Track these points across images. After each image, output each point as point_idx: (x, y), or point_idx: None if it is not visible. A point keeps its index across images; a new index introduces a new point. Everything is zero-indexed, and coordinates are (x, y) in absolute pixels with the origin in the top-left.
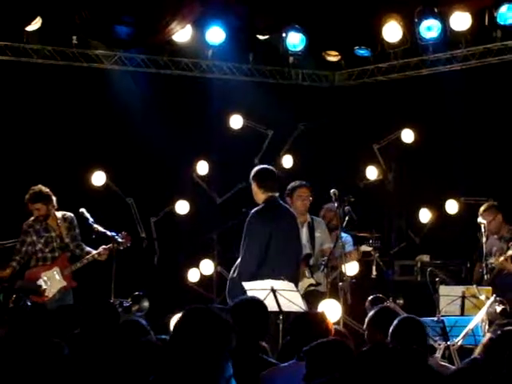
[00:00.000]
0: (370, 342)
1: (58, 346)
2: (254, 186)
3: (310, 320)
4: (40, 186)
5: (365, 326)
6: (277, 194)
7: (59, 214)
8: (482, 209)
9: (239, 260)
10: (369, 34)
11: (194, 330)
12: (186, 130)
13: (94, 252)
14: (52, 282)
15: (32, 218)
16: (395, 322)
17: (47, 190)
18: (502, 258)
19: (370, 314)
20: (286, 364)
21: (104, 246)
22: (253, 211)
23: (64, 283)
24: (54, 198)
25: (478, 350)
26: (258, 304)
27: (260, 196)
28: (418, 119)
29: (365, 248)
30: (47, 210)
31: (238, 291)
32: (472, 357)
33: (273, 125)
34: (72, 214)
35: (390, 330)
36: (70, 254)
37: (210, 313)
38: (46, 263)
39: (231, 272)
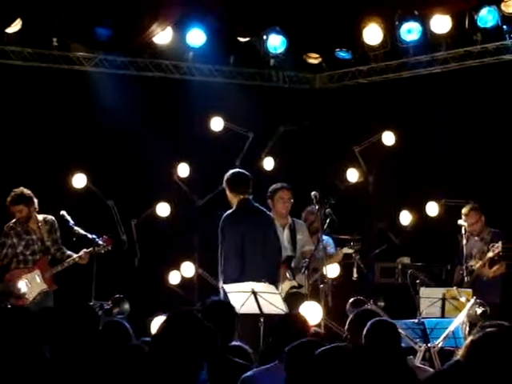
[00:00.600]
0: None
1: (38, 350)
2: (227, 191)
3: (289, 321)
4: (22, 188)
5: (346, 327)
6: (250, 197)
7: (40, 216)
8: (465, 210)
9: (219, 268)
10: (349, 36)
11: (177, 334)
12: (167, 132)
13: (75, 255)
14: (33, 284)
15: (13, 221)
16: (368, 325)
17: (29, 192)
18: (479, 264)
19: (351, 316)
20: (267, 366)
21: (85, 250)
22: (224, 215)
23: (45, 286)
24: (35, 201)
25: (460, 352)
26: (225, 306)
27: (233, 200)
28: (398, 122)
29: (346, 250)
30: (29, 212)
31: None
32: (454, 359)
33: (254, 127)
34: (53, 217)
35: (364, 333)
36: (50, 257)
37: (194, 317)
38: (26, 266)
39: (219, 281)
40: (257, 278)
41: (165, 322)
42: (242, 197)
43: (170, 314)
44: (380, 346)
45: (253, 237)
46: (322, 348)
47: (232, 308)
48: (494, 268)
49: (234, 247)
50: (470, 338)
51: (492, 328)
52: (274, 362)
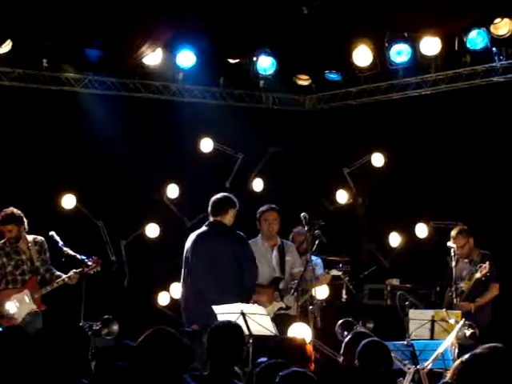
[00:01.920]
0: (345, 364)
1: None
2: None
3: (289, 345)
4: (12, 208)
5: (341, 351)
6: (212, 219)
7: (30, 237)
8: (453, 233)
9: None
10: (339, 58)
11: (153, 349)
12: (157, 154)
13: (65, 276)
14: (22, 305)
15: (2, 241)
16: (361, 345)
17: (19, 212)
18: (468, 285)
19: (347, 339)
20: None
21: (75, 270)
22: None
23: (34, 306)
24: (25, 221)
25: (449, 374)
26: (235, 328)
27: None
28: (388, 143)
29: (335, 272)
30: (18, 231)
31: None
32: (443, 381)
33: (243, 148)
34: (43, 238)
35: (357, 353)
36: (39, 278)
37: (168, 333)
38: (15, 286)
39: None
40: (205, 297)
41: (142, 339)
42: (209, 220)
43: (148, 331)
44: (372, 366)
45: (202, 257)
46: (284, 373)
47: (241, 330)
48: (474, 304)
49: (185, 266)
50: (459, 360)
51: (481, 350)
52: None
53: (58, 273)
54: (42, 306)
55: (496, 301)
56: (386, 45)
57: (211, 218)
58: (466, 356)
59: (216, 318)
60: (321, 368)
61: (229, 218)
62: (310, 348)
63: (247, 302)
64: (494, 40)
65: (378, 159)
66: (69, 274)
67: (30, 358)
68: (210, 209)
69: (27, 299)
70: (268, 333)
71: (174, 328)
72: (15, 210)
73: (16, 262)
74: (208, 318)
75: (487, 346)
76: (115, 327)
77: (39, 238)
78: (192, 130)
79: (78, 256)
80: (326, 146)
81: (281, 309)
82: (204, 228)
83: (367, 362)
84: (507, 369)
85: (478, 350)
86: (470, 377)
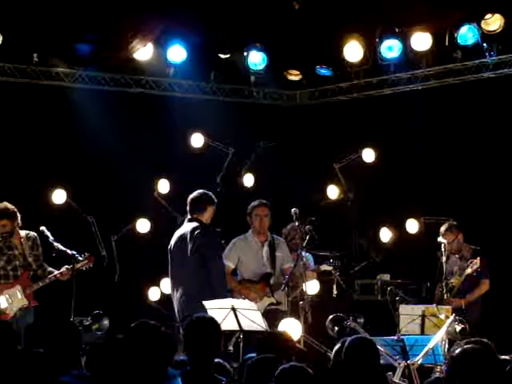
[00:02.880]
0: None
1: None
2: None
3: (275, 339)
4: (5, 202)
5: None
6: (187, 216)
7: (23, 232)
8: (442, 229)
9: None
10: (330, 53)
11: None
12: (147, 149)
13: (57, 272)
14: (14, 300)
15: None
16: (347, 342)
17: (13, 207)
18: (458, 281)
19: (336, 347)
20: None
21: (66, 266)
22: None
23: (25, 302)
24: (19, 216)
25: (439, 369)
26: (210, 322)
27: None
28: (378, 139)
29: (325, 267)
30: (12, 226)
31: None
32: (433, 376)
33: (234, 143)
34: (35, 234)
35: (343, 351)
36: (32, 273)
37: (150, 325)
38: (7, 281)
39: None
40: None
41: (126, 332)
42: None
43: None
44: (359, 362)
45: (170, 254)
46: (282, 367)
47: (216, 324)
48: (464, 300)
49: None
50: (449, 355)
51: (471, 345)
52: None
53: (50, 269)
54: (33, 301)
55: (487, 296)
56: (377, 40)
57: (189, 216)
58: (457, 351)
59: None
60: (309, 362)
61: (207, 216)
62: (294, 342)
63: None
64: (485, 36)
65: (368, 155)
66: (61, 270)
67: (16, 353)
68: (188, 206)
69: (19, 294)
70: (259, 328)
71: (165, 322)
72: (9, 205)
73: (8, 257)
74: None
75: (474, 340)
76: (106, 322)
77: (32, 233)
78: (183, 125)
79: (69, 251)
80: (316, 142)
81: (271, 304)
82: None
83: (353, 358)
84: (494, 364)
85: (466, 346)
86: (460, 372)
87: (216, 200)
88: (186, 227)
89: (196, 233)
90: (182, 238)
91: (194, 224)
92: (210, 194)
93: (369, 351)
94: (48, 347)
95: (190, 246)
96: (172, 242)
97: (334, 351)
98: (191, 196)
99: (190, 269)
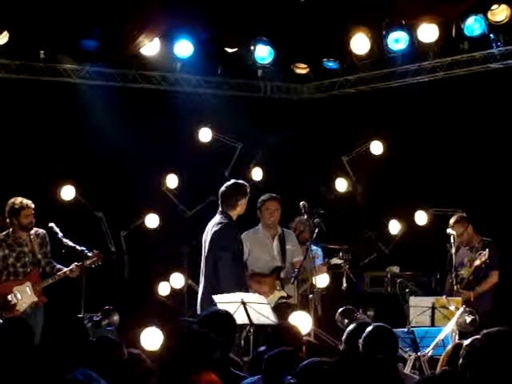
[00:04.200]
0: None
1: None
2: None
3: (282, 332)
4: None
5: (343, 338)
6: (220, 209)
7: (32, 230)
8: (452, 221)
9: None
10: (337, 46)
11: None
12: (155, 144)
13: (66, 269)
14: (24, 296)
15: (4, 233)
16: (368, 329)
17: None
18: (468, 272)
19: (349, 328)
20: (254, 378)
21: (76, 263)
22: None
23: (35, 298)
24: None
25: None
26: (226, 316)
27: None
28: (386, 131)
29: (335, 260)
30: (34, 217)
31: None
32: (443, 368)
33: (242, 138)
34: (44, 231)
35: (363, 337)
36: (41, 270)
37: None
38: (17, 278)
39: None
40: None
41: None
42: None
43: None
44: (378, 351)
45: None
46: (304, 364)
47: (231, 318)
48: (473, 292)
49: None
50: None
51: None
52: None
53: (59, 266)
54: (43, 298)
55: (498, 288)
56: (384, 32)
57: (220, 208)
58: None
59: None
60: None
61: (238, 210)
62: (302, 334)
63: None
64: (492, 26)
65: (376, 147)
66: (70, 267)
67: (31, 350)
68: (219, 198)
69: (29, 291)
70: (269, 322)
71: (174, 317)
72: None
73: (18, 254)
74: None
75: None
76: (116, 318)
77: (41, 230)
78: (190, 120)
79: (78, 247)
80: (324, 135)
81: (282, 298)
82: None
83: (372, 347)
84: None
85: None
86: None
87: (248, 190)
88: (213, 221)
89: (213, 232)
90: (207, 232)
91: (219, 219)
92: (243, 184)
93: (388, 341)
94: (55, 344)
95: (207, 245)
96: (204, 235)
97: (346, 332)
98: (223, 187)
99: (206, 268)
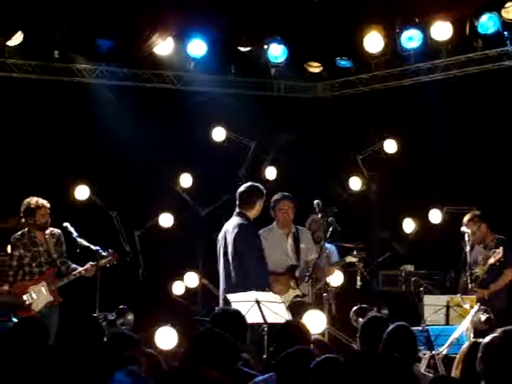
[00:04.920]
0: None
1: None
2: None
3: (290, 330)
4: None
5: (358, 333)
6: (238, 210)
7: (48, 229)
8: (465, 219)
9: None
10: (350, 44)
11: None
12: (169, 143)
13: (81, 268)
14: (39, 296)
15: (19, 233)
16: (390, 327)
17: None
18: (482, 271)
19: (364, 321)
20: (265, 376)
21: (91, 263)
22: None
23: (51, 298)
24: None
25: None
26: (236, 315)
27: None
28: (400, 129)
29: (350, 258)
30: (49, 217)
31: None
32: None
33: (256, 137)
34: (60, 231)
35: (384, 336)
36: (56, 270)
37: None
38: (33, 277)
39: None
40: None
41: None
42: None
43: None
44: (398, 350)
45: None
46: (317, 360)
47: (242, 316)
48: (487, 290)
49: None
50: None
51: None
52: (271, 373)
53: (74, 266)
54: (58, 297)
55: None
56: (397, 30)
57: (237, 209)
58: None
59: None
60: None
61: (256, 211)
62: (310, 332)
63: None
64: (506, 24)
65: (390, 145)
66: (85, 267)
67: (46, 349)
68: (237, 200)
69: (44, 291)
70: (283, 320)
71: (189, 316)
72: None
73: (33, 254)
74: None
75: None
76: (130, 317)
77: (56, 230)
78: (204, 119)
79: (92, 247)
80: (338, 133)
81: (297, 296)
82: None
83: (392, 346)
84: None
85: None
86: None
87: (264, 192)
88: (232, 222)
89: (235, 234)
90: (225, 233)
91: (238, 221)
92: (259, 186)
93: (408, 341)
94: (70, 343)
95: (230, 249)
96: (219, 235)
97: (360, 325)
98: (240, 189)
99: (228, 269)
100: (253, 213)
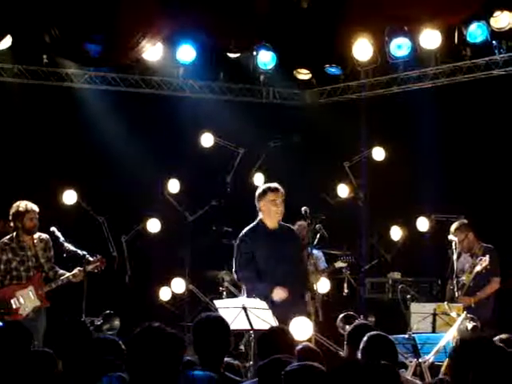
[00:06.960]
0: (347, 357)
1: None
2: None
3: (273, 336)
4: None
5: (345, 341)
6: None
7: (36, 234)
8: (453, 227)
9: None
10: (339, 52)
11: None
12: (157, 149)
13: (69, 274)
14: (27, 300)
15: (7, 237)
16: (364, 338)
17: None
18: (469, 278)
19: (349, 329)
20: (248, 382)
21: (79, 268)
22: None
23: (38, 302)
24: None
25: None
26: (219, 321)
27: None
28: (388, 137)
29: (340, 264)
30: (37, 221)
31: None
32: (440, 376)
33: (244, 143)
34: (48, 236)
35: (360, 347)
36: (44, 274)
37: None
38: (20, 282)
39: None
40: None
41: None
42: None
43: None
44: (378, 359)
45: None
46: (291, 366)
47: (225, 322)
48: (473, 298)
49: None
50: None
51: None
52: (256, 379)
53: (61, 271)
54: (46, 302)
55: (499, 294)
56: (386, 38)
57: None
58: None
59: None
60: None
61: (265, 212)
62: (293, 338)
63: None
64: (494, 33)
65: (378, 153)
66: (73, 272)
67: (28, 353)
68: None
69: (32, 295)
70: (269, 327)
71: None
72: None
73: (21, 258)
74: None
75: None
76: (116, 322)
77: (44, 235)
78: (192, 125)
79: (79, 251)
80: (326, 140)
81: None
82: None
83: (371, 355)
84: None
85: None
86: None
87: (266, 189)
88: None
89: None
90: None
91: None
92: (261, 187)
93: (387, 349)
94: (59, 347)
95: None
96: None
97: (346, 333)
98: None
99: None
100: (263, 215)
